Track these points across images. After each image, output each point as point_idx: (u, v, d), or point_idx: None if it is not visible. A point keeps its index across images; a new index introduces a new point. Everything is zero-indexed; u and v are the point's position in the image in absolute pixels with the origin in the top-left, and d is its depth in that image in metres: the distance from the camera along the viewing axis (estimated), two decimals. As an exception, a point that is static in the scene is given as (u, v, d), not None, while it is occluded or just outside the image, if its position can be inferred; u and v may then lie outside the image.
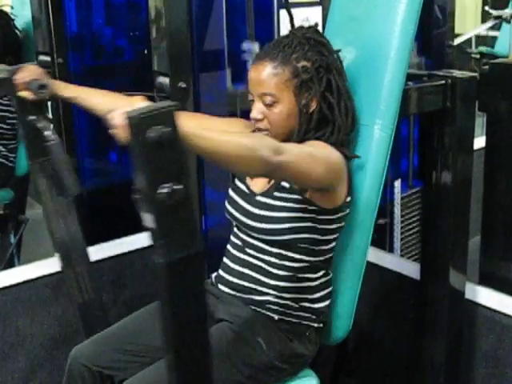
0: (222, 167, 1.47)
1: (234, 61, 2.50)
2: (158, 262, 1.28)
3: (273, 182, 1.82)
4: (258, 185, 1.86)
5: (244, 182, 1.89)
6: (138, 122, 1.19)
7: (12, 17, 3.02)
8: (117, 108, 1.28)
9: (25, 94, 1.89)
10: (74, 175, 1.84)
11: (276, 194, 1.79)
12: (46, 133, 1.85)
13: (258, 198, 1.83)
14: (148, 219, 1.28)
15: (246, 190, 1.88)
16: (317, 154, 1.66)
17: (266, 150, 1.45)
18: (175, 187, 1.23)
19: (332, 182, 1.72)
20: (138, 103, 1.28)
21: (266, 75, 1.75)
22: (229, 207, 1.91)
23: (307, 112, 1.76)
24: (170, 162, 1.23)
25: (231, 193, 1.92)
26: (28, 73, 1.90)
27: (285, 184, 1.78)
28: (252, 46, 2.18)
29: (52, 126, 1.89)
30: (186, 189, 1.25)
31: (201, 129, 1.38)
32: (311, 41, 1.78)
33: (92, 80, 2.92)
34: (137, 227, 2.43)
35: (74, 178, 1.84)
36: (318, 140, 1.76)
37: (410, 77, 1.90)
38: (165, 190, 1.23)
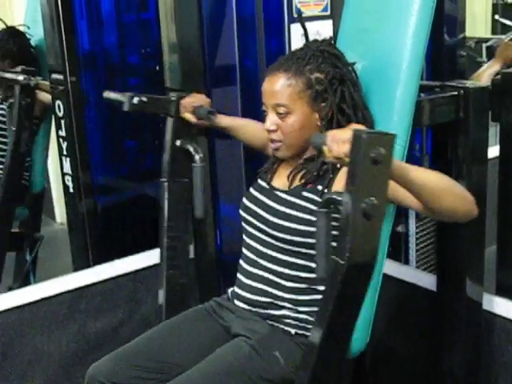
0: (422, 199, 1.58)
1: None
2: (339, 263, 1.47)
3: (297, 180, 1.83)
4: (279, 181, 1.88)
5: (265, 180, 1.92)
6: (365, 140, 1.38)
7: (28, 36, 3.05)
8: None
9: (188, 116, 2.09)
10: (204, 199, 2.04)
11: (305, 193, 1.79)
12: (197, 156, 2.04)
13: (280, 194, 1.84)
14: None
15: (266, 186, 1.89)
16: None
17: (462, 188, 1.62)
18: (375, 202, 1.41)
19: None
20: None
21: (279, 86, 1.77)
22: (246, 202, 1.92)
23: (325, 122, 1.77)
24: (377, 180, 1.41)
25: (252, 190, 1.94)
26: (196, 99, 2.12)
27: (319, 187, 1.79)
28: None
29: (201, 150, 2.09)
30: (381, 205, 1.43)
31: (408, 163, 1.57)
32: (325, 53, 1.79)
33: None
34: (150, 243, 2.44)
35: (205, 202, 2.04)
36: None
37: (422, 88, 1.90)
38: (367, 202, 1.40)
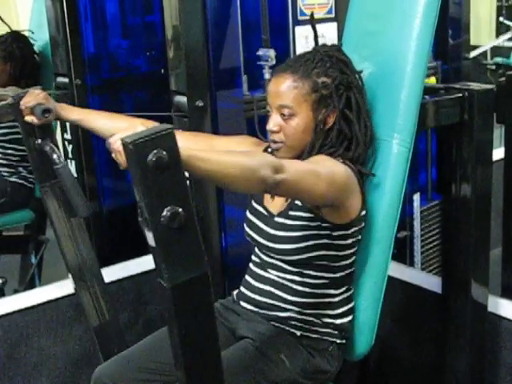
0: (223, 187, 1.46)
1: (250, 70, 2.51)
2: (163, 286, 1.27)
3: (289, 201, 1.82)
4: (276, 205, 1.85)
5: (261, 204, 1.89)
6: (134, 147, 1.18)
7: (32, 41, 3.07)
8: (117, 132, 1.28)
9: (30, 118, 1.91)
10: (83, 197, 1.85)
11: (291, 213, 1.79)
12: (54, 156, 1.86)
13: (276, 218, 1.83)
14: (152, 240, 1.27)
15: (265, 212, 1.88)
16: (320, 170, 1.64)
17: (265, 169, 1.44)
18: (176, 210, 1.22)
19: (338, 197, 1.70)
20: (138, 127, 1.26)
21: (285, 87, 1.76)
22: (247, 230, 1.92)
23: (323, 127, 1.77)
24: (170, 185, 1.21)
25: (249, 215, 1.92)
26: (32, 97, 1.91)
27: (298, 202, 1.79)
28: (267, 53, 2.18)
29: (58, 149, 1.91)
30: (188, 211, 1.23)
31: (199, 150, 1.37)
32: (333, 58, 1.79)
33: (110, 100, 2.94)
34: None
35: (84, 200, 1.85)
36: (330, 155, 1.76)
37: (426, 90, 1.90)
38: (167, 214, 1.21)
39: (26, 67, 3.00)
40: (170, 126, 1.22)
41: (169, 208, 1.21)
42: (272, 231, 1.82)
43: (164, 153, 1.18)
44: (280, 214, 1.82)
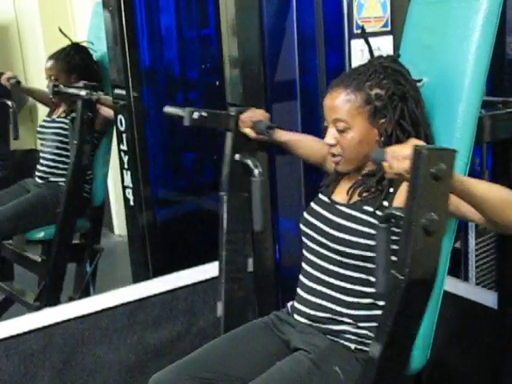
0: (485, 213, 1.55)
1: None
2: (398, 278, 1.48)
3: (357, 194, 1.84)
4: (340, 196, 1.89)
5: (326, 194, 1.93)
6: (425, 156, 1.38)
7: (91, 52, 3.14)
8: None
9: (247, 131, 2.12)
10: (265, 213, 2.05)
11: (365, 207, 1.80)
12: (255, 170, 2.03)
13: (341, 207, 1.85)
14: None
15: (328, 200, 1.90)
16: None
17: None
18: (435, 218, 1.41)
19: None
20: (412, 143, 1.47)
21: (338, 101, 1.78)
22: (307, 216, 1.93)
23: (386, 138, 1.78)
24: (437, 194, 1.41)
25: (313, 205, 1.95)
26: (256, 114, 2.13)
27: (384, 202, 1.79)
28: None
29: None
30: (442, 221, 1.43)
31: (469, 177, 1.55)
32: (388, 69, 1.80)
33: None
34: (208, 256, 2.47)
35: (265, 216, 2.04)
36: None
37: (483, 104, 1.88)
38: (426, 218, 1.41)
39: (88, 78, 3.06)
40: (453, 148, 1.43)
41: (430, 214, 1.41)
42: (337, 219, 1.83)
43: (444, 166, 1.38)
44: (350, 206, 1.83)
